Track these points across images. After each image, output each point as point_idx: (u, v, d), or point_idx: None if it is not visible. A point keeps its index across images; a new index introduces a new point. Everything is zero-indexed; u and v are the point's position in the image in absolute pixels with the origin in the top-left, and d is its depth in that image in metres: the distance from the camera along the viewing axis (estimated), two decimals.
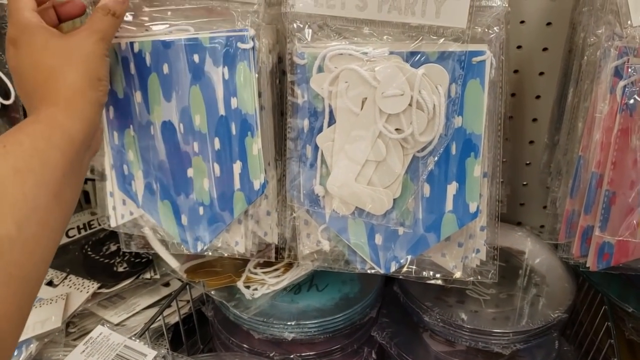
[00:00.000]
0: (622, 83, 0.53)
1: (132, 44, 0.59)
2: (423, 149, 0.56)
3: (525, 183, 0.90)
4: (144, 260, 0.85)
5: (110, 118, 0.64)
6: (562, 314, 0.68)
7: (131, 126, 0.63)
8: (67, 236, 0.94)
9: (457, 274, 0.62)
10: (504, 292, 0.72)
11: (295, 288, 0.73)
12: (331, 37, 0.57)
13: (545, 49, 0.82)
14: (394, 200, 0.58)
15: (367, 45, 0.55)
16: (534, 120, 0.86)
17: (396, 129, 0.56)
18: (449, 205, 0.58)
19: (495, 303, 0.70)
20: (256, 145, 0.59)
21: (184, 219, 0.64)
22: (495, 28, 0.54)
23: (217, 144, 0.60)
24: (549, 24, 0.80)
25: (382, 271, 0.61)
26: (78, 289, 0.82)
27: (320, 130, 0.59)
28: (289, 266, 0.73)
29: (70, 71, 0.50)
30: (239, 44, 0.56)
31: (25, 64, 0.51)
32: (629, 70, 0.52)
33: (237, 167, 0.60)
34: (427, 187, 0.58)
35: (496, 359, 0.70)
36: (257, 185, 0.60)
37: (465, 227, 0.59)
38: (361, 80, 0.55)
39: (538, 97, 0.85)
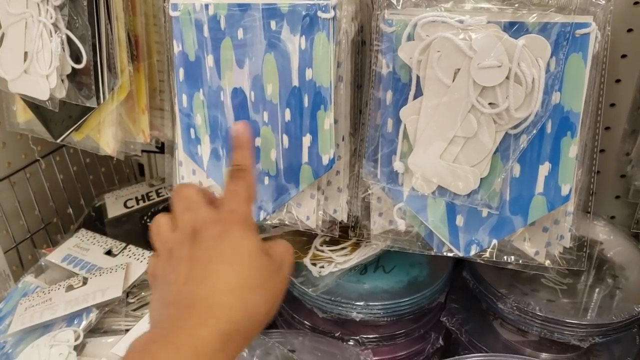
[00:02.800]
0: None
1: (207, 5, 0.58)
2: (517, 126, 0.53)
3: (598, 171, 0.86)
4: None
5: (180, 80, 0.62)
6: None
7: (201, 90, 0.62)
8: (126, 207, 0.94)
9: (541, 260, 0.59)
10: (581, 283, 0.69)
11: (362, 268, 0.71)
12: (421, 6, 0.54)
13: (630, 30, 0.77)
14: (481, 179, 0.55)
15: (462, 13, 0.52)
16: (612, 105, 0.82)
17: (490, 104, 0.52)
18: (540, 187, 0.54)
19: (571, 293, 0.67)
20: (328, 120, 0.57)
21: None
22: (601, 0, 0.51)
23: (287, 115, 0.58)
24: (636, 3, 0.76)
25: (461, 254, 0.58)
26: (137, 259, 0.81)
27: (405, 102, 0.56)
28: (356, 245, 0.71)
29: None
30: (320, 13, 0.54)
31: None
32: None
33: (306, 140, 0.58)
34: (517, 167, 0.55)
35: (571, 352, 0.67)
36: (325, 160, 0.58)
37: (553, 211, 0.56)
38: (455, 49, 0.52)
39: (618, 80, 0.81)
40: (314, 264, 0.69)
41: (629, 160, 0.76)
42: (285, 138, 0.58)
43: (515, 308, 0.65)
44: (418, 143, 0.56)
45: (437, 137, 0.55)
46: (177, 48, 0.61)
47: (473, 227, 0.57)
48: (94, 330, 0.74)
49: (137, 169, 1.13)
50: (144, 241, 0.85)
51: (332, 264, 0.68)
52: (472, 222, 0.57)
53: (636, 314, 0.63)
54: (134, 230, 0.89)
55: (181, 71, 0.62)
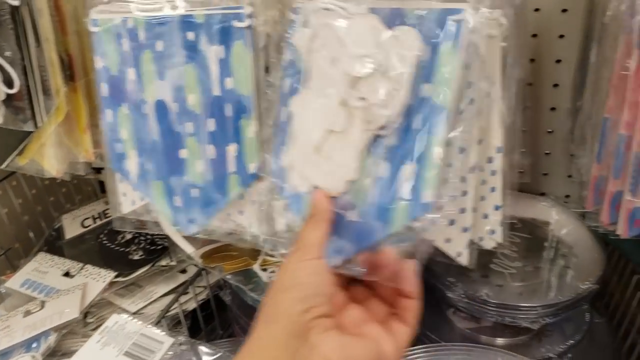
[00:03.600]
0: None
1: (125, 19, 0.58)
2: (384, 128, 0.47)
3: (548, 152, 0.87)
4: (159, 247, 0.84)
5: (104, 95, 0.62)
6: (592, 285, 0.65)
7: (124, 104, 0.62)
8: (83, 226, 0.94)
9: (464, 262, 0.57)
10: (529, 265, 0.70)
11: None
12: None
13: (564, 10, 0.78)
14: (352, 182, 0.49)
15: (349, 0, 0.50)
16: (555, 85, 0.83)
17: (361, 99, 0.48)
18: (404, 191, 0.46)
19: (521, 276, 0.68)
20: (252, 128, 0.57)
21: (177, 200, 0.62)
22: None
23: (211, 125, 0.58)
24: None
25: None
26: (95, 278, 0.81)
27: (296, 92, 0.53)
28: None
29: None
30: (235, 22, 0.54)
31: None
32: None
33: (232, 149, 0.58)
34: (385, 166, 0.47)
35: (524, 334, 0.67)
36: (252, 168, 0.58)
37: (470, 209, 0.55)
38: (335, 38, 0.49)
39: (558, 61, 0.81)
40: (264, 270, 0.69)
41: (574, 139, 0.76)
42: (211, 148, 0.58)
43: (464, 296, 0.65)
44: (297, 137, 0.52)
45: (313, 130, 0.50)
46: (99, 63, 0.61)
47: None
48: (53, 354, 0.74)
49: (97, 187, 1.12)
50: (102, 260, 0.85)
51: None
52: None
53: (582, 291, 0.64)
54: (92, 250, 0.88)
55: (104, 86, 0.62)
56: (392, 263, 0.44)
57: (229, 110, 0.57)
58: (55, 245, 0.93)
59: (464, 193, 0.55)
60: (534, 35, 0.80)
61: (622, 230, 0.59)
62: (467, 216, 0.55)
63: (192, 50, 0.56)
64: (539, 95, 0.84)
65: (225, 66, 0.56)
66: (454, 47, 0.46)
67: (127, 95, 0.61)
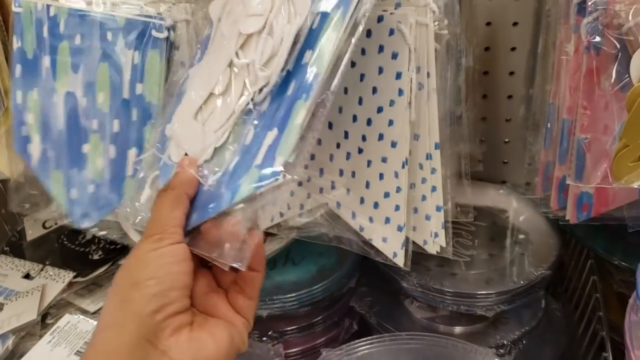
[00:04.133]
0: (585, 20, 0.50)
1: (48, 6, 0.58)
2: (261, 90, 0.45)
3: (507, 140, 0.87)
4: (119, 246, 0.83)
5: (17, 76, 0.62)
6: (546, 270, 0.65)
7: (35, 89, 0.62)
8: (44, 227, 0.93)
9: (400, 262, 0.57)
10: (485, 253, 0.70)
11: (271, 264, 0.71)
12: None
13: None
14: (215, 149, 0.46)
15: None
16: (511, 73, 0.83)
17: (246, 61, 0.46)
18: (259, 158, 0.43)
19: (476, 264, 0.68)
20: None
21: (74, 193, 0.62)
22: None
23: (116, 126, 0.59)
24: None
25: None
26: (54, 279, 0.80)
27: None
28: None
29: None
30: (153, 32, 0.55)
31: None
32: (591, 5, 0.49)
33: (132, 153, 0.59)
34: (252, 134, 0.45)
35: (481, 322, 0.67)
36: None
37: (403, 206, 0.55)
38: (240, 1, 0.49)
39: (513, 49, 0.81)
40: None
41: (528, 126, 0.77)
42: (112, 148, 0.59)
43: (418, 285, 0.65)
44: (183, 103, 0.50)
45: (197, 94, 0.49)
46: (16, 44, 0.61)
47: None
48: (12, 356, 0.73)
49: None
50: (62, 260, 0.84)
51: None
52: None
53: (535, 278, 0.64)
54: (53, 250, 0.87)
55: (18, 67, 0.61)
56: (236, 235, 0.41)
57: (135, 115, 0.58)
58: (17, 246, 0.92)
59: (398, 189, 0.55)
60: (488, 24, 0.81)
61: (571, 216, 0.59)
62: (401, 214, 0.55)
63: (109, 50, 0.57)
64: (496, 84, 0.84)
65: (137, 72, 0.57)
66: (342, 16, 0.43)
67: (39, 81, 0.61)
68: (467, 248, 0.70)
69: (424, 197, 0.58)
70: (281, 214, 0.63)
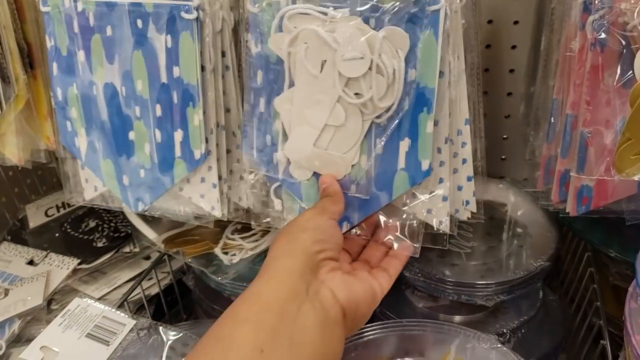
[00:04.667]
0: (591, 18, 0.51)
1: (75, 2, 0.59)
2: (381, 115, 0.55)
3: (505, 136, 0.89)
4: (122, 234, 0.85)
5: (55, 74, 0.64)
6: (544, 262, 0.67)
7: (74, 84, 0.63)
8: (47, 215, 0.94)
9: (446, 229, 0.60)
10: (485, 245, 0.71)
11: None
12: None
13: None
14: (352, 166, 0.57)
15: (327, 4, 0.54)
16: (511, 71, 0.85)
17: (356, 94, 0.54)
18: (402, 162, 0.56)
19: (476, 256, 0.70)
20: (197, 116, 0.59)
21: (126, 180, 0.64)
22: None
23: (158, 111, 0.60)
24: None
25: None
26: (58, 266, 0.81)
27: (279, 88, 0.57)
28: (267, 230, 0.72)
29: None
30: (182, 14, 0.56)
31: None
32: (597, 3, 0.50)
33: (178, 135, 0.60)
34: (380, 145, 0.57)
35: (480, 312, 0.69)
36: (197, 154, 0.60)
37: (447, 178, 0.58)
38: (321, 41, 0.53)
39: (514, 47, 0.83)
40: (226, 253, 0.70)
41: (529, 122, 0.78)
42: (158, 133, 0.60)
43: (420, 274, 0.67)
44: (293, 132, 0.58)
45: (310, 126, 0.57)
46: (49, 43, 0.63)
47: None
48: (17, 340, 0.74)
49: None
50: (66, 248, 0.85)
51: (242, 250, 0.69)
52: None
53: (534, 269, 0.66)
54: (56, 238, 0.88)
55: (55, 65, 0.63)
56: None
57: (175, 98, 0.58)
58: (19, 234, 0.93)
59: (441, 163, 0.58)
60: (490, 22, 0.82)
61: (571, 208, 0.61)
62: (445, 185, 0.58)
63: (141, 37, 0.58)
64: (496, 81, 0.86)
65: (172, 55, 0.57)
66: (434, 35, 0.51)
67: (76, 76, 0.62)
68: (467, 240, 0.72)
69: (455, 170, 0.60)
70: None
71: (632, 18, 0.49)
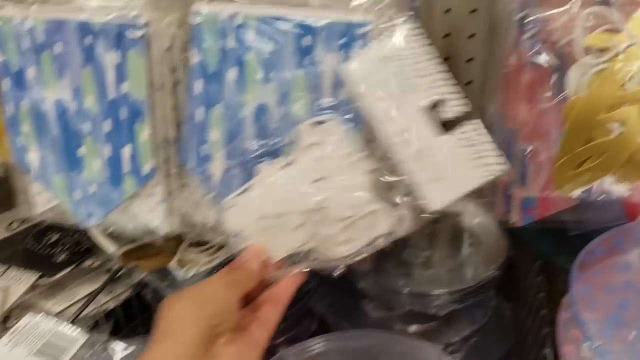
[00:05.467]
0: (525, 36, 0.53)
1: (25, 19, 0.60)
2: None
3: None
4: (84, 248, 0.85)
5: (5, 90, 0.64)
6: (495, 271, 0.68)
7: (26, 99, 0.64)
8: (9, 229, 0.93)
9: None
10: (439, 254, 0.73)
11: None
12: None
13: (473, 11, 0.81)
14: None
15: None
16: (468, 83, 0.86)
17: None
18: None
19: (429, 265, 0.71)
20: (145, 132, 0.60)
21: (77, 194, 0.64)
22: None
23: (107, 126, 0.61)
24: None
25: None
26: (18, 280, 0.81)
27: (218, 100, 0.58)
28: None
29: None
30: (130, 31, 0.57)
31: None
32: (530, 21, 0.52)
33: (126, 150, 0.61)
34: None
35: (435, 320, 0.70)
36: (146, 169, 0.61)
37: None
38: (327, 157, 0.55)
39: (470, 60, 0.84)
40: (181, 267, 0.70)
41: None
42: (107, 148, 0.61)
43: (375, 285, 0.68)
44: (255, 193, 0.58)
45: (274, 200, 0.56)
46: (0, 58, 0.63)
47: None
48: None
49: None
50: (27, 262, 0.85)
51: (197, 265, 0.70)
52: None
53: (485, 278, 0.67)
54: (18, 252, 0.88)
55: (6, 80, 0.63)
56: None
57: (124, 113, 0.59)
58: None
59: None
60: (446, 36, 0.84)
61: (517, 219, 0.62)
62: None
63: (90, 54, 0.58)
64: None
65: (121, 72, 0.58)
66: None
67: (27, 92, 0.63)
68: (421, 249, 0.73)
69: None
70: None
71: (563, 36, 0.51)
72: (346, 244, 0.54)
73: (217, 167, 0.60)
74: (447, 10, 0.82)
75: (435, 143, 0.52)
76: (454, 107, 0.53)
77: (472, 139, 0.52)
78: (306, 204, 0.54)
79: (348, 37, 0.54)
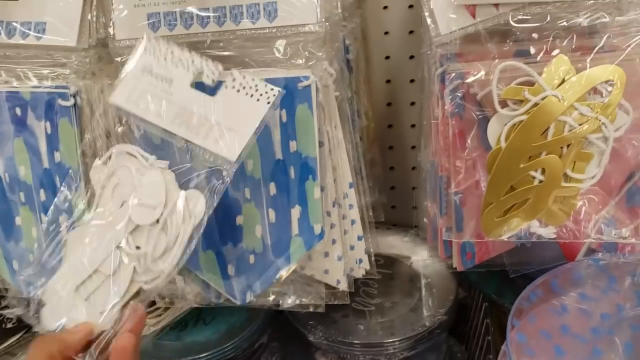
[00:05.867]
0: (447, 90, 0.54)
1: None
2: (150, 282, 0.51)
3: (414, 187, 0.92)
4: None
5: None
6: (443, 316, 0.68)
7: None
8: None
9: (344, 287, 0.62)
10: (389, 301, 0.73)
11: (182, 325, 0.72)
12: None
13: (412, 57, 0.83)
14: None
15: None
16: (412, 126, 0.88)
17: (137, 247, 0.51)
18: (295, 229, 0.59)
19: (380, 313, 0.71)
20: (79, 199, 0.58)
21: (15, 264, 0.64)
22: (318, 53, 0.55)
23: (42, 196, 0.61)
24: (411, 32, 0.82)
25: (238, 303, 0.61)
26: None
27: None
28: (170, 304, 0.72)
29: None
30: (60, 101, 0.57)
31: None
32: (450, 76, 0.53)
33: (63, 219, 0.58)
34: (272, 213, 0.59)
35: None
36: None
37: (339, 239, 0.60)
38: (130, 182, 0.53)
39: (413, 103, 0.86)
40: None
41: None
42: (44, 217, 0.60)
43: (323, 338, 0.67)
44: (64, 270, 0.53)
45: (82, 268, 0.52)
46: None
47: (244, 274, 0.60)
48: None
49: None
50: None
51: (145, 327, 0.69)
52: (242, 270, 0.60)
53: (433, 323, 0.67)
54: None
55: None
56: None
57: (58, 182, 0.59)
58: None
59: (332, 226, 0.60)
60: (388, 81, 0.86)
61: (457, 264, 0.63)
62: (337, 246, 0.60)
63: (20, 125, 0.58)
64: (400, 135, 0.89)
65: (52, 141, 0.58)
66: (309, 108, 0.55)
67: None
68: (372, 297, 0.73)
69: (345, 231, 0.62)
70: None
71: (480, 89, 0.52)
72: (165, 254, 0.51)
73: None
74: (387, 57, 0.84)
75: (211, 104, 0.52)
76: (212, 71, 0.53)
77: (239, 84, 0.53)
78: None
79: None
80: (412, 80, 0.85)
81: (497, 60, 0.52)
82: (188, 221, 0.50)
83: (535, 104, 0.50)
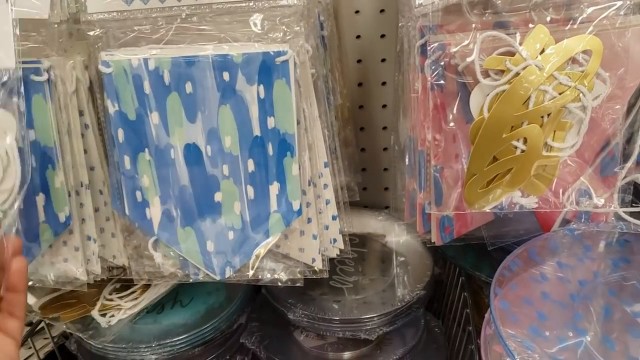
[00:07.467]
0: (428, 61, 0.54)
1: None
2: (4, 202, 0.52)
3: (385, 168, 0.92)
4: None
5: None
6: (421, 291, 0.69)
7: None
8: None
9: (319, 266, 0.62)
10: (366, 278, 0.73)
11: (158, 307, 0.71)
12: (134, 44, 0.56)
13: (383, 36, 0.83)
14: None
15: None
16: (384, 106, 0.88)
17: None
18: (273, 205, 0.58)
19: (358, 290, 0.71)
20: (58, 178, 0.58)
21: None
22: (295, 27, 0.55)
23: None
24: (382, 11, 0.82)
25: (217, 278, 0.61)
26: None
27: (142, 149, 0.59)
28: (147, 287, 0.70)
29: None
30: (33, 76, 0.55)
31: None
32: (431, 48, 0.53)
33: (40, 200, 0.59)
34: (251, 189, 0.58)
35: (367, 345, 0.70)
36: (62, 217, 0.59)
37: (315, 219, 0.60)
38: None
39: (384, 83, 0.86)
40: (104, 315, 0.68)
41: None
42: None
43: (303, 315, 0.67)
44: None
45: None
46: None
47: (223, 250, 0.60)
48: None
49: None
50: None
51: (121, 310, 0.68)
52: (221, 245, 0.60)
53: (411, 298, 0.68)
54: None
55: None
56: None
57: (34, 162, 0.57)
58: None
59: (308, 204, 0.60)
60: (359, 61, 0.85)
61: (436, 238, 0.63)
62: (313, 225, 0.60)
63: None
64: (371, 116, 0.89)
65: (27, 119, 0.55)
66: (287, 84, 0.54)
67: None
68: (349, 275, 0.73)
69: (320, 211, 0.62)
70: None
71: (462, 60, 0.53)
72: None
73: (155, 211, 0.59)
74: (358, 37, 0.83)
75: None
76: None
77: None
78: None
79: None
80: (383, 60, 0.84)
81: (478, 31, 0.52)
82: (4, 139, 0.51)
83: (517, 74, 0.51)
